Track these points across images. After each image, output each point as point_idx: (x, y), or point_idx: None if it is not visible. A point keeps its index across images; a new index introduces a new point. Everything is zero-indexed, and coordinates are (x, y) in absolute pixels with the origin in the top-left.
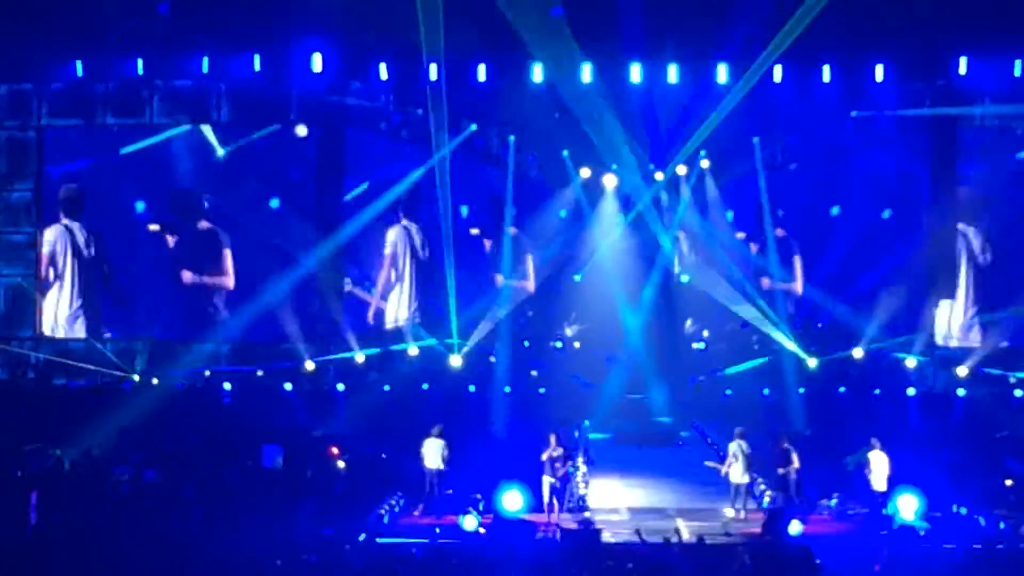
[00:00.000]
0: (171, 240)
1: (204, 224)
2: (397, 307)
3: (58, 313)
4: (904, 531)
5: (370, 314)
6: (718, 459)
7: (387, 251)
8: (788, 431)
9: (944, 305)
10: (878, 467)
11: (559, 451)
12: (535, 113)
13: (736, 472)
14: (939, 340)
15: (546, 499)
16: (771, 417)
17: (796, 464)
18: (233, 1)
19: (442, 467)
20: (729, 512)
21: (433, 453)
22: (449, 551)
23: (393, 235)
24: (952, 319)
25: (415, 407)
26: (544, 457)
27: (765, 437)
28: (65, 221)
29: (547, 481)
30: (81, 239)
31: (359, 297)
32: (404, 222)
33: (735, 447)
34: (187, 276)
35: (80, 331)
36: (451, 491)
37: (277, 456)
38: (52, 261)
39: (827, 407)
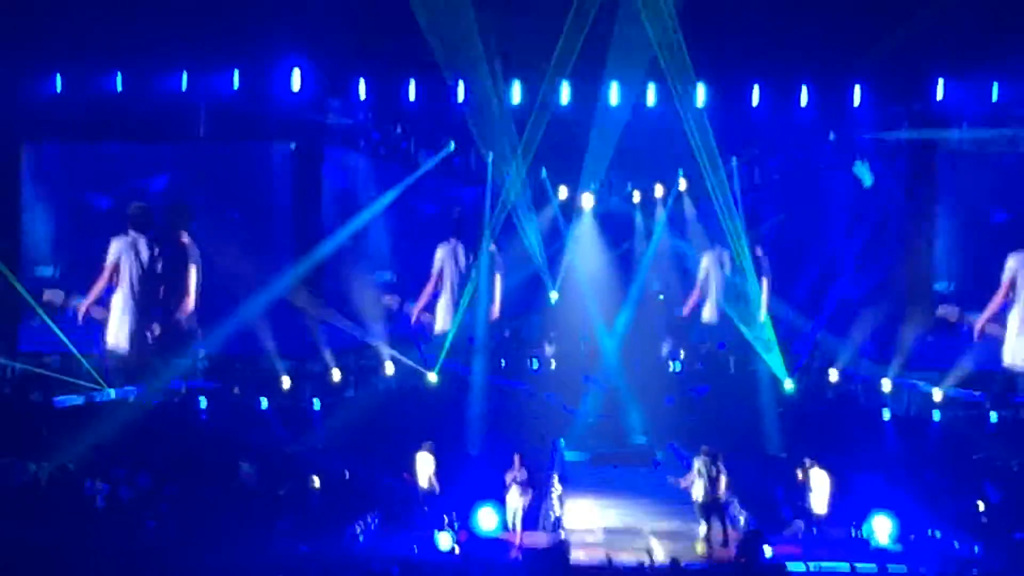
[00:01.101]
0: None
1: (185, 239)
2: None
3: (119, 329)
4: (878, 554)
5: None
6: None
7: (435, 267)
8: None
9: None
10: (818, 486)
11: (523, 472)
12: (514, 132)
13: (698, 489)
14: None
15: (510, 521)
16: (747, 438)
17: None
18: (212, 17)
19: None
20: (701, 529)
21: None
22: (424, 569)
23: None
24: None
25: (391, 424)
26: (508, 478)
27: (742, 458)
28: (132, 234)
29: (512, 502)
30: (146, 254)
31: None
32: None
33: (699, 464)
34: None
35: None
36: (427, 508)
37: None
38: (116, 272)
39: (803, 429)
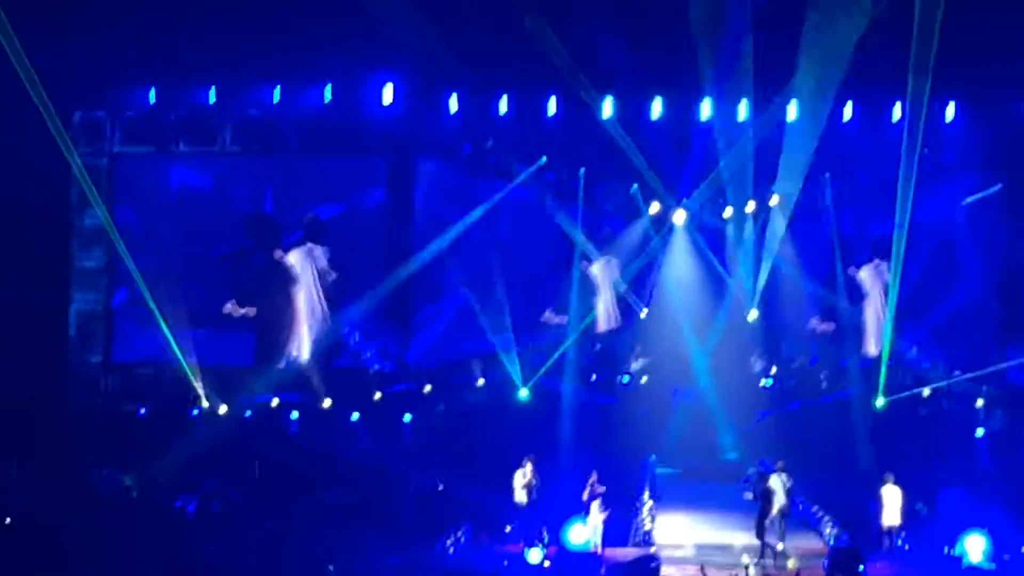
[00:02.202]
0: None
1: (279, 254)
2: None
3: (303, 339)
4: (972, 573)
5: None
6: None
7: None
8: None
9: None
10: (891, 501)
11: (601, 488)
12: (605, 147)
13: (777, 504)
14: None
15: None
16: (839, 455)
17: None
18: (305, 31)
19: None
20: (779, 545)
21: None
22: None
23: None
24: None
25: (481, 438)
26: (585, 495)
27: (832, 475)
28: (309, 244)
29: (591, 519)
30: (323, 263)
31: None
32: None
33: (775, 481)
34: (226, 307)
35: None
36: (516, 523)
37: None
38: (294, 283)
39: (894, 446)
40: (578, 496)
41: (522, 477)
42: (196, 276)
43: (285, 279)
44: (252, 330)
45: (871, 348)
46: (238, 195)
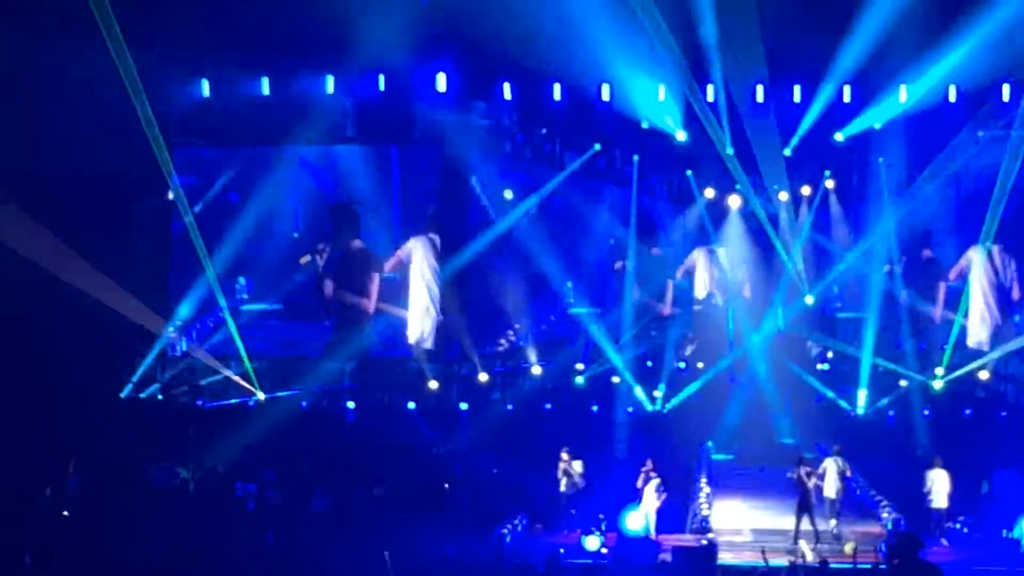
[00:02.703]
0: (321, 259)
1: (358, 243)
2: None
3: (424, 326)
4: None
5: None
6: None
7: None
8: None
9: None
10: (940, 486)
11: (655, 475)
12: (659, 133)
13: (831, 487)
14: None
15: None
16: (895, 439)
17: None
18: (357, 20)
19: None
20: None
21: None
22: (573, 570)
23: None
24: None
25: (537, 426)
26: (640, 483)
27: (889, 459)
28: (430, 234)
29: (646, 505)
30: (436, 253)
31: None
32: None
33: (830, 463)
34: (328, 288)
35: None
36: (574, 511)
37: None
38: (405, 269)
39: (952, 429)
40: (633, 483)
41: (564, 466)
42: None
43: (362, 268)
44: (318, 320)
45: (980, 337)
46: (301, 184)
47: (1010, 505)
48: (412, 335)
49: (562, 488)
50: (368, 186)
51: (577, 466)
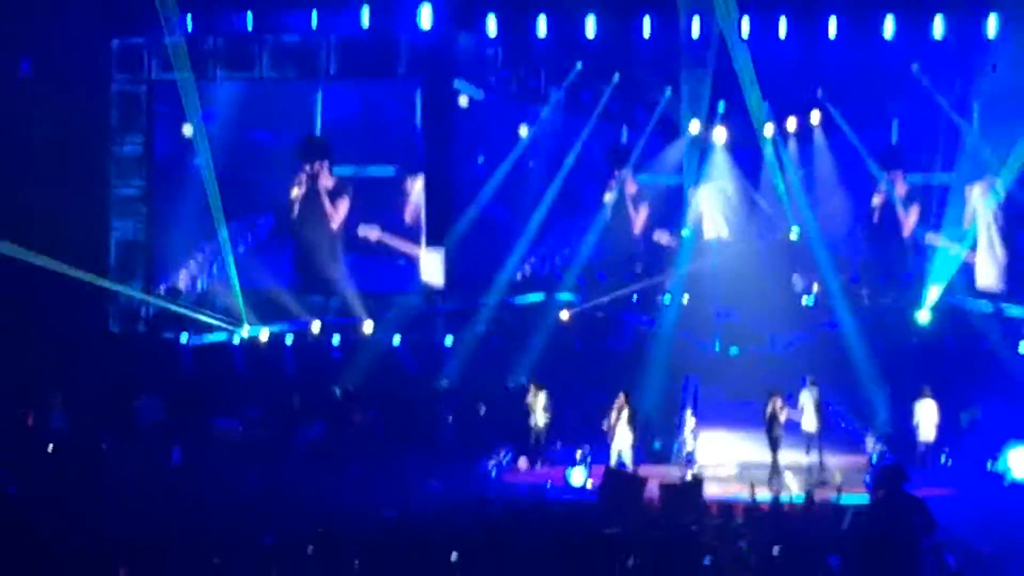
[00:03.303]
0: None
1: (327, 173)
2: None
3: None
4: (1015, 488)
5: None
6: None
7: None
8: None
9: None
10: (927, 417)
11: (630, 409)
12: (644, 67)
13: (809, 420)
14: None
15: (614, 458)
16: (881, 371)
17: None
18: None
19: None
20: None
21: (538, 406)
22: (556, 503)
23: None
24: None
25: (523, 361)
26: (614, 415)
27: (874, 390)
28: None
29: (619, 440)
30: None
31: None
32: None
33: (806, 395)
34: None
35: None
36: (559, 444)
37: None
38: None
39: (937, 361)
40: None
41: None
42: (239, 201)
43: (332, 195)
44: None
45: (989, 276)
46: (278, 120)
47: (995, 437)
48: (430, 273)
49: (530, 421)
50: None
51: (541, 398)
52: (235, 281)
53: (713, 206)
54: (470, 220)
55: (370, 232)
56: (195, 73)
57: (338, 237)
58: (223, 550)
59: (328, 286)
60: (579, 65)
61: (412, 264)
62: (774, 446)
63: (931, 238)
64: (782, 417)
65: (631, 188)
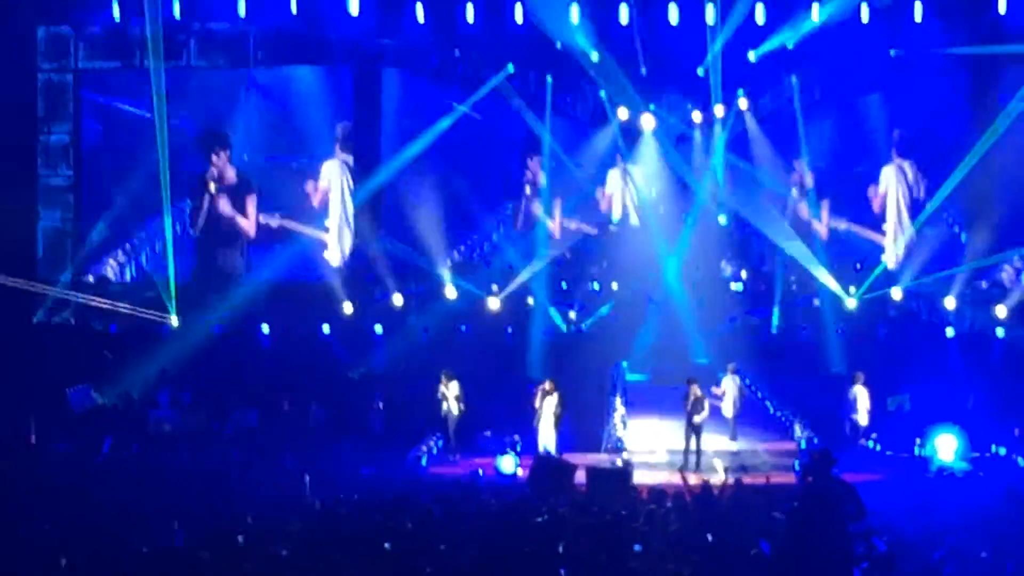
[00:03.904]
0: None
1: (230, 169)
2: None
3: (344, 247)
4: (942, 473)
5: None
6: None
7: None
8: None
9: None
10: (860, 403)
11: (555, 396)
12: (572, 54)
13: (728, 406)
14: None
15: (541, 446)
16: (810, 358)
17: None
18: None
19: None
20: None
21: (450, 395)
22: (487, 491)
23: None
24: None
25: (453, 349)
26: (538, 402)
27: (803, 377)
28: (342, 156)
29: (544, 428)
30: (351, 175)
31: None
32: None
33: (727, 381)
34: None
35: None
36: (489, 432)
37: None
38: (326, 195)
39: (865, 347)
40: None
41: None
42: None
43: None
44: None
45: (896, 253)
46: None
47: (922, 423)
48: (332, 257)
49: (443, 410)
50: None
51: (453, 388)
52: (169, 270)
53: (626, 192)
54: (397, 208)
55: (271, 220)
56: (121, 61)
57: (241, 228)
58: (151, 540)
59: (228, 279)
60: (510, 67)
61: (318, 249)
62: (696, 432)
63: (844, 225)
64: (703, 405)
65: (540, 177)
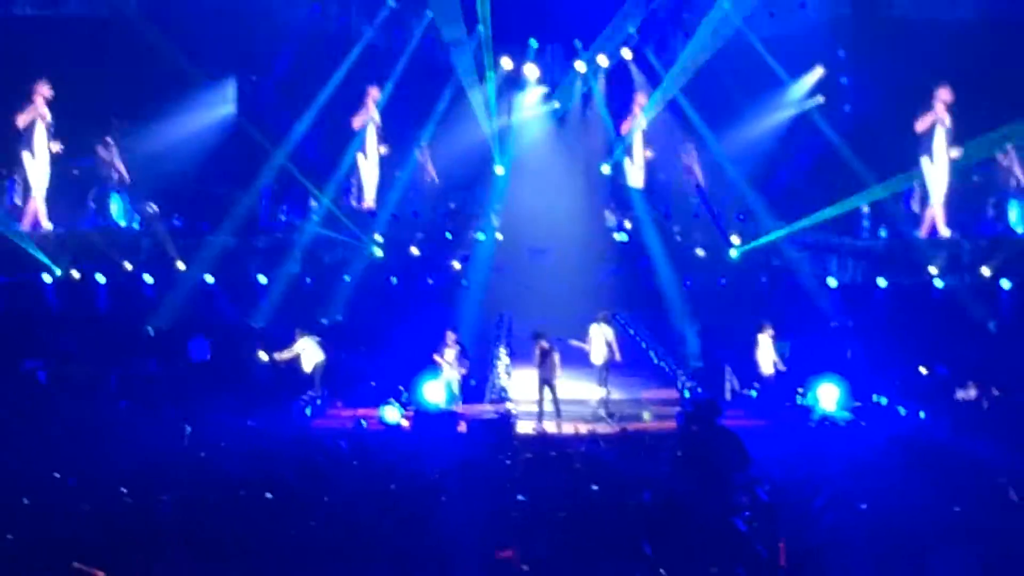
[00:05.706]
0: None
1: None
2: None
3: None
4: (823, 422)
5: None
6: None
7: None
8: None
9: None
10: (764, 352)
11: (456, 347)
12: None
13: (598, 354)
14: None
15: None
16: (692, 307)
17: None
18: None
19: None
20: (602, 393)
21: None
22: (373, 443)
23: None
24: None
25: (338, 299)
26: (439, 354)
27: (688, 326)
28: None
29: (446, 377)
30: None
31: None
32: None
33: (595, 329)
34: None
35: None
36: (374, 383)
37: (205, 349)
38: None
39: (748, 297)
40: (430, 355)
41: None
42: None
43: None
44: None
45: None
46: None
47: (804, 371)
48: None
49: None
50: None
51: (303, 343)
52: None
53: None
54: (284, 155)
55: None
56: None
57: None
58: (31, 491)
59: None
60: (391, 3)
61: None
62: (548, 385)
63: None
64: (552, 358)
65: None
